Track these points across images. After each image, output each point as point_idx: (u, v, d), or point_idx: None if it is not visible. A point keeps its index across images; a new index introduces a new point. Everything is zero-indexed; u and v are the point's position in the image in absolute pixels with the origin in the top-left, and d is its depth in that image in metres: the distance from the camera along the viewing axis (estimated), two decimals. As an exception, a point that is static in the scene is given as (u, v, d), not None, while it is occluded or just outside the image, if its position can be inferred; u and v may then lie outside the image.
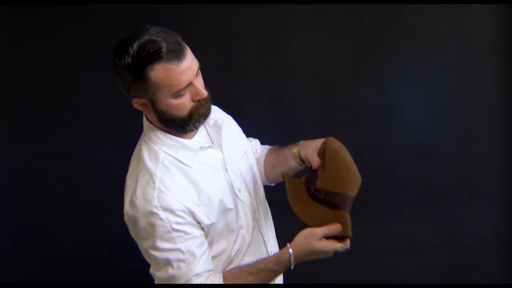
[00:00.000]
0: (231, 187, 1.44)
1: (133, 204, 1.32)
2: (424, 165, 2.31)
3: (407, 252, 2.32)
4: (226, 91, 2.32)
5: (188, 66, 1.27)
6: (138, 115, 2.33)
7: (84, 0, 2.31)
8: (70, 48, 2.34)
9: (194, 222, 1.32)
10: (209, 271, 1.35)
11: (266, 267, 1.34)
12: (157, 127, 1.40)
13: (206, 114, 1.38)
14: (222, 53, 2.33)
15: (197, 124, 1.36)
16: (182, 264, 1.30)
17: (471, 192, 2.31)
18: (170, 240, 1.29)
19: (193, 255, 1.31)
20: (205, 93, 1.33)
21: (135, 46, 1.25)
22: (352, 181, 1.37)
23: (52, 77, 2.35)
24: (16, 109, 2.36)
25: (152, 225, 1.29)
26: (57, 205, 2.36)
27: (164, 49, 1.24)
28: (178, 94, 1.28)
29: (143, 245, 1.34)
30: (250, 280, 1.34)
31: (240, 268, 1.38)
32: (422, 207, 2.31)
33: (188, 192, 1.33)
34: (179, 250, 1.30)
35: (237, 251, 1.46)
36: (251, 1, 2.29)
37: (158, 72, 1.25)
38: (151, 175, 1.33)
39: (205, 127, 1.47)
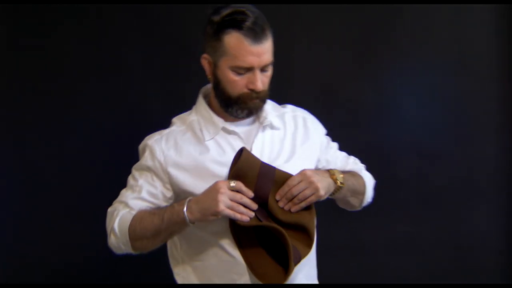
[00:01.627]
0: None
1: (143, 141, 1.55)
2: (424, 165, 2.31)
3: (407, 252, 2.31)
4: (226, 91, 2.33)
5: (259, 52, 1.35)
6: (138, 115, 2.33)
7: (84, 0, 2.31)
8: (71, 48, 2.34)
9: (164, 179, 1.44)
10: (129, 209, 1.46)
11: (161, 208, 1.40)
12: (211, 99, 1.51)
13: (251, 110, 1.43)
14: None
15: (239, 112, 1.42)
16: (129, 191, 1.48)
17: (471, 192, 2.31)
18: (140, 173, 1.49)
19: (139, 192, 1.46)
20: (259, 86, 1.38)
21: (228, 9, 1.37)
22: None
23: (53, 77, 2.35)
24: (16, 110, 2.36)
25: (140, 157, 1.52)
26: (57, 205, 2.36)
27: (247, 24, 1.34)
28: (237, 69, 1.36)
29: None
30: (148, 220, 1.39)
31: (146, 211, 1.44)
32: (422, 207, 2.31)
33: (185, 157, 1.44)
34: (136, 182, 1.48)
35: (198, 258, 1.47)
36: (251, 1, 2.29)
37: (231, 38, 1.35)
38: (170, 126, 1.55)
39: (259, 127, 1.49)
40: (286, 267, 1.31)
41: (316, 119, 1.65)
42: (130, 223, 1.40)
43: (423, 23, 2.29)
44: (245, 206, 1.33)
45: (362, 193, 1.57)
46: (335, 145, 1.67)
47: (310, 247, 1.37)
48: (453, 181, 2.30)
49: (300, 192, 1.36)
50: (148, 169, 1.47)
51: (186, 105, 2.33)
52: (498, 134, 2.30)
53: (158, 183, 1.46)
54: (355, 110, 2.30)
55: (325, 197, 1.41)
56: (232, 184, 1.31)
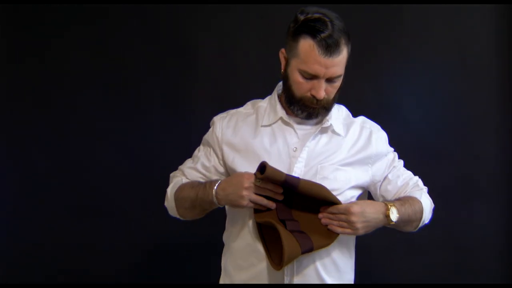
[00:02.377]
0: (289, 171, 1.48)
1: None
2: (424, 165, 2.30)
3: (407, 252, 2.31)
4: (226, 91, 2.33)
5: (327, 64, 1.39)
6: (139, 115, 2.32)
7: (85, 0, 2.31)
8: (71, 49, 2.34)
9: (219, 154, 1.55)
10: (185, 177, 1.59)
11: (200, 184, 1.49)
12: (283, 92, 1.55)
13: (311, 113, 1.48)
14: (222, 53, 2.33)
15: (299, 112, 1.48)
16: (190, 160, 1.61)
17: (471, 192, 2.31)
18: (202, 146, 1.62)
19: (196, 163, 1.58)
20: (321, 95, 1.44)
21: (313, 14, 1.42)
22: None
23: (53, 77, 2.35)
24: (16, 110, 2.36)
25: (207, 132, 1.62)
26: (57, 205, 2.36)
27: (323, 35, 1.38)
28: (303, 73, 1.41)
29: None
30: (188, 191, 1.50)
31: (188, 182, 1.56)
32: (422, 207, 2.31)
33: (239, 138, 1.53)
34: (197, 153, 1.61)
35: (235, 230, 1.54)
36: (251, 1, 2.29)
37: (305, 43, 1.39)
38: (239, 109, 1.62)
39: (318, 129, 1.52)
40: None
41: (385, 135, 1.66)
42: (176, 190, 1.52)
43: (423, 23, 2.29)
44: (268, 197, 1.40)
45: (418, 219, 1.55)
46: (400, 163, 1.67)
47: (329, 239, 1.41)
48: (453, 181, 2.30)
49: (338, 221, 1.39)
50: (208, 143, 1.58)
51: (186, 105, 2.34)
52: (498, 134, 2.30)
53: (213, 157, 1.56)
54: (355, 110, 2.30)
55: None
56: (258, 179, 1.36)
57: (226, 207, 1.58)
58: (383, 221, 1.42)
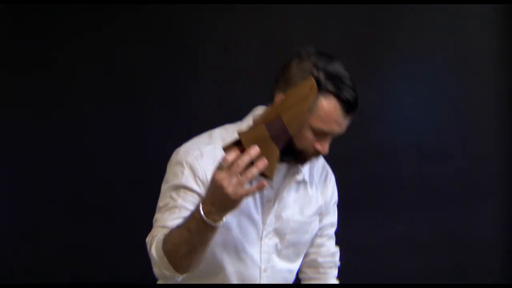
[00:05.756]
0: (262, 223, 1.41)
1: (177, 151, 1.43)
2: (424, 165, 2.31)
3: (407, 252, 2.31)
4: (226, 91, 2.33)
5: (344, 123, 1.33)
6: (139, 115, 2.32)
7: (84, 0, 2.31)
8: (70, 49, 2.34)
9: (203, 194, 1.32)
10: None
11: (184, 221, 1.26)
12: None
13: (302, 162, 1.39)
14: (222, 53, 2.33)
15: (291, 160, 1.37)
16: (166, 214, 1.36)
17: (471, 192, 2.31)
18: (177, 192, 1.36)
19: (180, 212, 1.34)
20: (326, 151, 1.36)
21: (333, 66, 1.32)
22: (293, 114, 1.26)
23: (52, 77, 2.35)
24: (16, 110, 2.36)
25: (175, 173, 1.38)
26: (56, 206, 2.36)
27: (348, 96, 1.29)
28: (316, 130, 1.31)
29: (161, 189, 1.41)
30: (177, 234, 1.26)
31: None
32: (422, 207, 2.31)
33: None
34: (176, 203, 1.35)
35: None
36: (251, 1, 2.29)
37: (328, 102, 1.29)
38: (210, 140, 1.41)
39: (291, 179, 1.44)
40: None
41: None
42: (162, 244, 1.28)
43: (423, 23, 2.28)
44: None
45: None
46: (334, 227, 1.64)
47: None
48: (453, 181, 2.30)
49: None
50: (188, 188, 1.36)
51: (186, 105, 2.34)
52: (498, 134, 2.30)
53: (197, 198, 1.36)
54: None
55: None
56: (221, 164, 1.18)
57: None
58: None
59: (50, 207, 2.35)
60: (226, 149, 1.21)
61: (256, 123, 1.25)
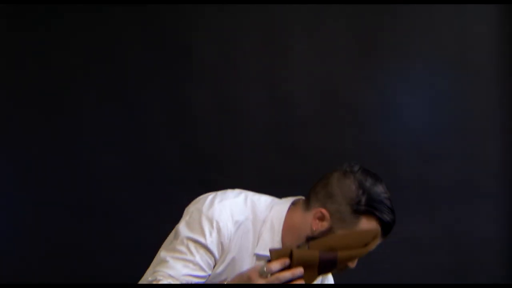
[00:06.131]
0: None
1: (212, 204, 1.38)
2: (424, 165, 2.30)
3: (407, 252, 2.31)
4: (226, 91, 2.33)
5: (376, 244, 1.34)
6: (139, 115, 2.32)
7: (84, 1, 2.31)
8: (71, 50, 2.34)
9: (220, 260, 1.36)
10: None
11: None
12: (291, 222, 1.39)
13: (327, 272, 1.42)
14: (222, 53, 2.33)
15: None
16: (180, 264, 1.34)
17: (471, 192, 2.31)
18: (197, 249, 1.34)
19: (194, 270, 1.34)
20: (353, 266, 1.37)
21: (381, 192, 1.37)
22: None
23: (53, 78, 2.35)
24: (16, 110, 2.36)
25: (202, 228, 1.35)
26: (57, 205, 2.36)
27: (389, 221, 1.37)
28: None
29: (181, 230, 1.38)
30: None
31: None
32: (422, 207, 2.31)
33: (243, 248, 1.36)
34: (193, 258, 1.34)
35: None
36: (251, 1, 2.29)
37: (369, 226, 1.33)
38: (245, 209, 1.39)
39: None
40: None
41: None
42: None
43: (423, 23, 2.28)
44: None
45: None
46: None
47: None
48: (453, 181, 2.29)
49: None
50: (209, 250, 1.35)
51: (186, 105, 2.34)
52: (498, 134, 2.30)
53: (213, 264, 1.37)
54: (355, 110, 2.30)
55: None
56: (264, 270, 1.20)
57: None
58: None
59: (50, 207, 2.35)
60: (273, 254, 1.23)
61: (311, 244, 1.26)
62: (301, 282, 1.19)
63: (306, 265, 1.21)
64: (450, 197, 2.29)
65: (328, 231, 1.33)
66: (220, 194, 1.42)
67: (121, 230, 2.35)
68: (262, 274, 1.18)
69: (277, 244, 1.37)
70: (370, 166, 2.24)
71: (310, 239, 1.32)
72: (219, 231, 1.35)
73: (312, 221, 1.34)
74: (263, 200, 1.43)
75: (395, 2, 2.25)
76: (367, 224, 1.32)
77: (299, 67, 2.29)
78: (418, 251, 2.31)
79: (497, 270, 2.32)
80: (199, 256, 1.34)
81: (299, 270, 1.18)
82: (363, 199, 1.32)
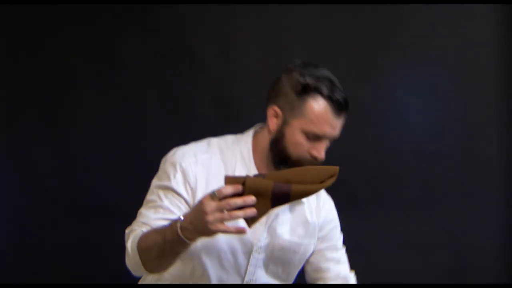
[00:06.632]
0: (254, 239, 1.42)
1: (175, 151, 1.45)
2: (424, 165, 2.31)
3: (407, 252, 2.31)
4: (226, 91, 2.33)
5: (336, 125, 1.36)
6: (138, 115, 2.32)
7: (84, 1, 2.31)
8: (71, 50, 2.34)
9: (190, 202, 1.39)
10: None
11: (164, 226, 1.30)
12: (259, 146, 1.44)
13: None
14: (222, 53, 2.33)
15: None
16: (151, 211, 1.41)
17: (471, 192, 2.31)
18: (165, 193, 1.40)
19: (164, 213, 1.39)
20: (323, 156, 1.37)
21: (319, 72, 1.38)
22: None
23: (53, 78, 2.35)
24: (16, 110, 2.36)
25: (167, 173, 1.41)
26: (57, 205, 2.36)
27: (337, 96, 1.36)
28: (309, 134, 1.35)
29: (152, 183, 1.46)
30: (153, 237, 1.30)
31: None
32: (422, 207, 2.31)
33: (211, 184, 1.37)
34: (162, 203, 1.40)
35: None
36: (251, 1, 2.29)
37: (316, 104, 1.34)
38: (208, 149, 1.45)
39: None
40: None
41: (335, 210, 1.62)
42: (138, 241, 1.33)
43: (423, 23, 2.28)
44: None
45: None
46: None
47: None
48: (453, 181, 2.29)
49: None
50: (176, 192, 1.40)
51: (186, 105, 2.34)
52: (498, 134, 2.30)
53: (183, 205, 1.40)
54: (355, 110, 2.29)
55: None
56: (215, 193, 1.18)
57: None
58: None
59: (50, 207, 2.35)
60: (228, 180, 1.22)
61: (267, 175, 1.24)
62: (253, 210, 1.18)
63: (259, 194, 1.20)
64: (450, 197, 2.29)
65: (284, 124, 1.37)
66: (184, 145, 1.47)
67: (121, 230, 2.34)
68: (213, 197, 1.18)
69: (253, 173, 1.39)
70: (370, 166, 2.27)
71: (273, 142, 1.38)
72: (183, 172, 1.39)
73: (270, 124, 1.40)
74: (228, 138, 1.49)
75: (395, 2, 2.25)
76: (314, 104, 1.34)
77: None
78: (418, 251, 2.31)
79: (497, 270, 2.32)
80: (168, 201, 1.39)
81: (251, 199, 1.17)
82: (305, 81, 1.35)
